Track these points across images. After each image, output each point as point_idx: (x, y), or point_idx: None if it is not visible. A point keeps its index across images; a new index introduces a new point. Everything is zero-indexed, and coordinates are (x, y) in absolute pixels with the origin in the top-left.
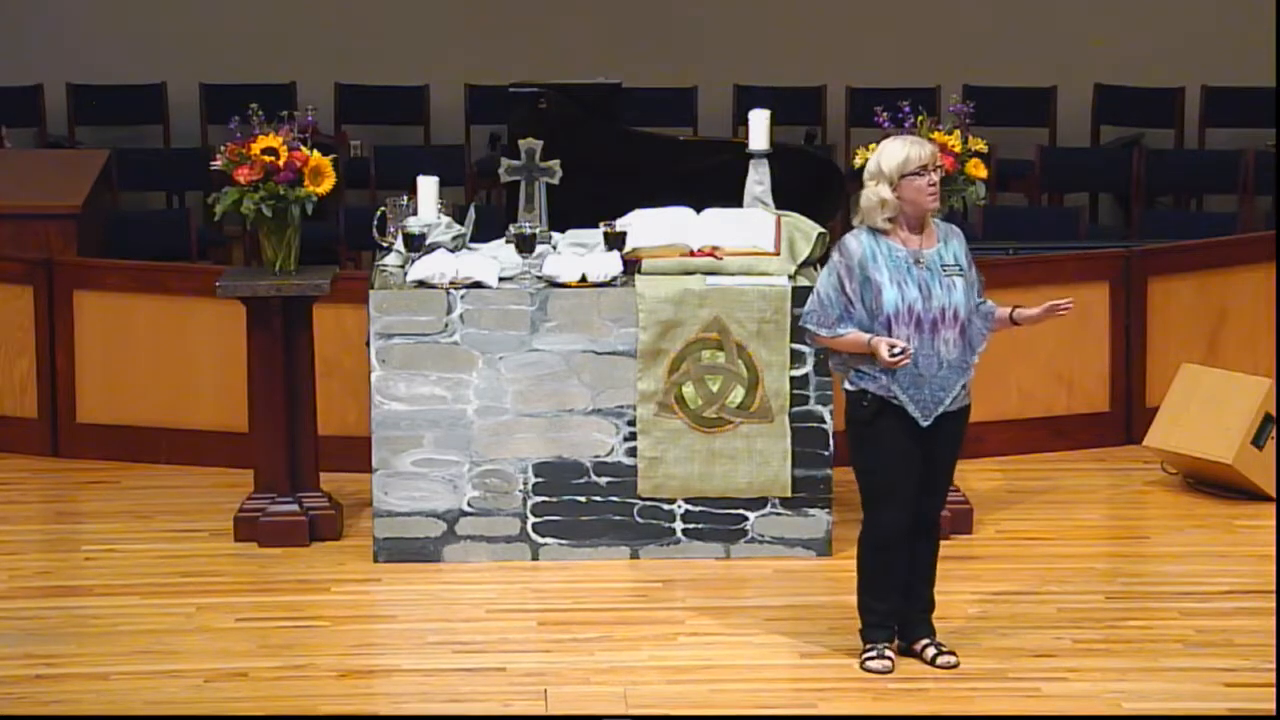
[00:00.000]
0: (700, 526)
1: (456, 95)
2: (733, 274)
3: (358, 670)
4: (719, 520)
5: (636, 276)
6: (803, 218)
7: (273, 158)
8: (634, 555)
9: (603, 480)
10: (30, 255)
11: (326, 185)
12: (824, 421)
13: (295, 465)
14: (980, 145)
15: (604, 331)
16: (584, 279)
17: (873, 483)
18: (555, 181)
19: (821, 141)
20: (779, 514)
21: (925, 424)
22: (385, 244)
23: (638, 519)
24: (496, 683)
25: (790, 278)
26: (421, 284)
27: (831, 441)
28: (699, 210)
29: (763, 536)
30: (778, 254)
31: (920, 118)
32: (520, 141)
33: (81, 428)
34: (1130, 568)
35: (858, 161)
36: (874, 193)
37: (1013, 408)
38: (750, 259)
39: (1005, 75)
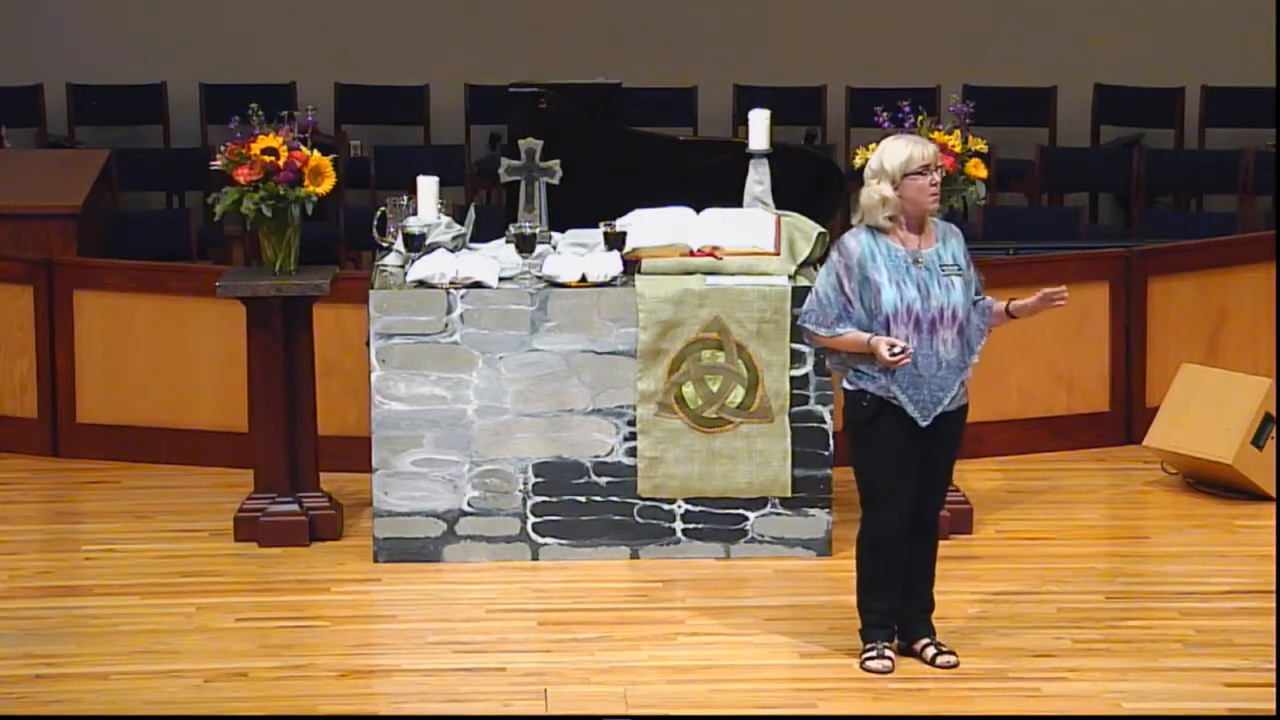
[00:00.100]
0: (700, 526)
1: (456, 95)
2: (733, 274)
3: (358, 670)
4: (719, 520)
5: (636, 276)
6: (803, 218)
7: (273, 158)
8: (634, 555)
9: (603, 480)
10: (30, 255)
11: (326, 185)
12: (824, 421)
13: (295, 465)
14: (980, 145)
15: (604, 331)
16: (584, 279)
17: (872, 482)
18: (555, 181)
19: (821, 141)
20: (779, 514)
21: (924, 424)
22: (385, 244)
23: (638, 519)
24: (496, 683)
25: (790, 278)
26: (421, 284)
27: (831, 441)
28: (699, 210)
29: (763, 536)
30: (778, 254)
31: (920, 118)
32: (520, 141)
33: (81, 428)
34: (1130, 568)
35: (858, 161)
36: (875, 190)
37: (1012, 407)
38: (750, 259)
39: (1005, 75)
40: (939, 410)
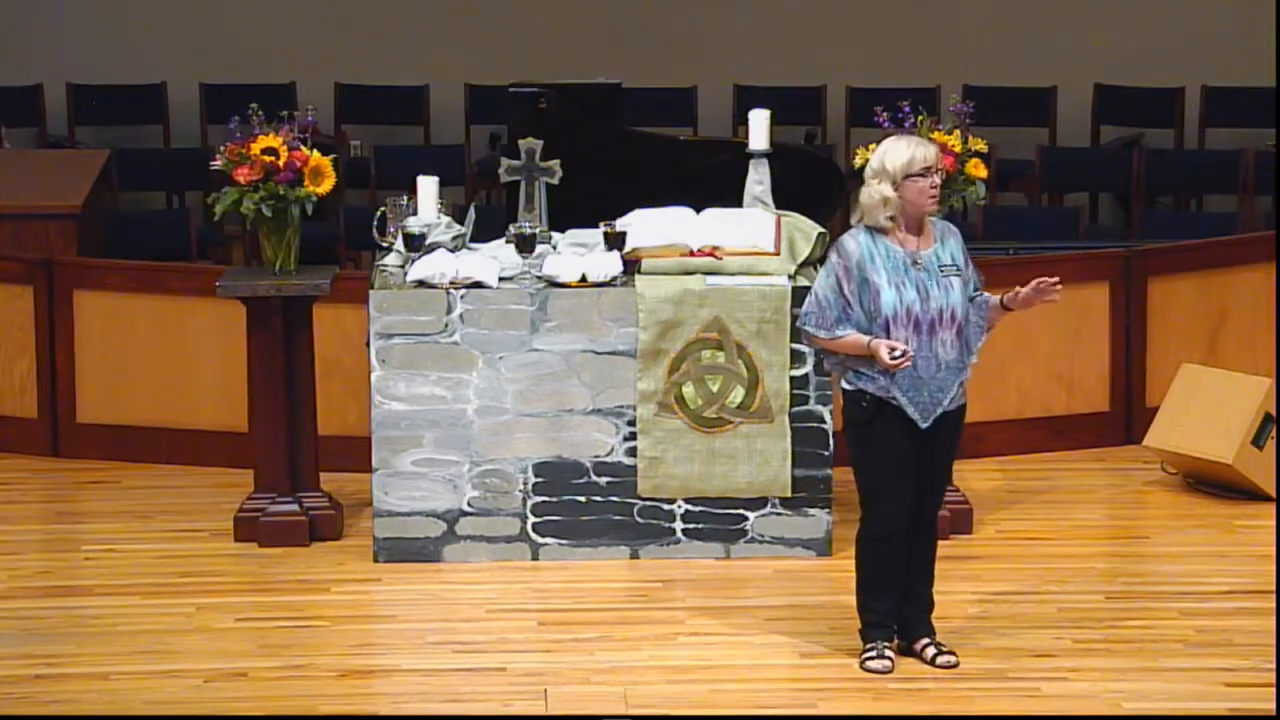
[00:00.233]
0: (700, 526)
1: (456, 95)
2: (733, 274)
3: (358, 670)
4: (719, 520)
5: (636, 276)
6: (803, 218)
7: (273, 158)
8: (634, 555)
9: (603, 480)
10: (30, 255)
11: (326, 185)
12: (824, 421)
13: (295, 465)
14: (980, 145)
15: (604, 331)
16: (584, 279)
17: (871, 482)
18: (555, 181)
19: (821, 141)
20: (779, 514)
21: (924, 425)
22: (385, 244)
23: (638, 519)
24: (496, 683)
25: (790, 278)
26: (421, 284)
27: (831, 441)
28: (699, 210)
29: (763, 536)
30: (778, 254)
31: (920, 118)
32: (520, 141)
33: (81, 428)
34: (1130, 568)
35: (858, 161)
36: (876, 190)
37: (1012, 407)
38: (750, 259)
39: (1005, 75)
40: (939, 411)
